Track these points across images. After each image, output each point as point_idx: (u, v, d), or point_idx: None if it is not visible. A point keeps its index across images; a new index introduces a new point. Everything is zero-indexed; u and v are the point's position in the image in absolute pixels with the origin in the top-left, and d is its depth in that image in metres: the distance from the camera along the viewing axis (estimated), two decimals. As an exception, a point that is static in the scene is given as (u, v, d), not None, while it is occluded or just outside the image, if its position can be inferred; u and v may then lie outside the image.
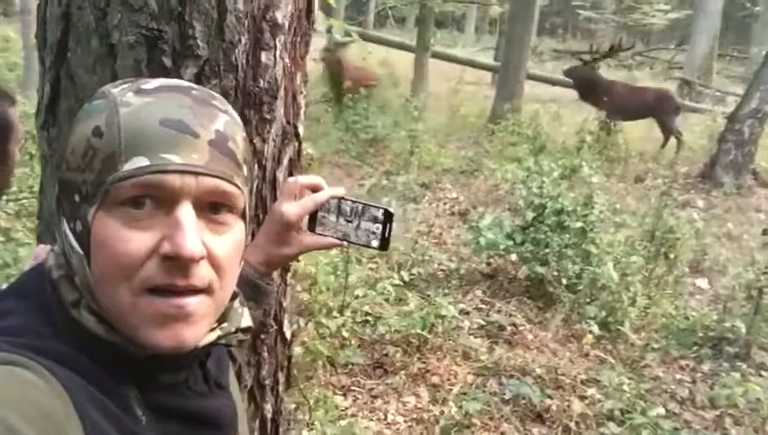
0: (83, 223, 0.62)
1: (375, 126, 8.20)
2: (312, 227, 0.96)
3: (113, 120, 0.61)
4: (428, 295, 4.06)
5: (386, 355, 3.44)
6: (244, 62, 1.02)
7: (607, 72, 11.33)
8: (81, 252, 0.63)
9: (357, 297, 3.67)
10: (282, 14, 1.05)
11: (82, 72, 0.99)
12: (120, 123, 0.61)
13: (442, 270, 4.63)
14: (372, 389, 3.22)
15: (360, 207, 0.94)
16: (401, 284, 3.99)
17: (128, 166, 0.60)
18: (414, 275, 4.33)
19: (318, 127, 8.27)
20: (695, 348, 3.80)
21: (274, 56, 1.06)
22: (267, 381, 1.22)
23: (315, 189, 0.96)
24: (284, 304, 1.24)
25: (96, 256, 0.62)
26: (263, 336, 1.19)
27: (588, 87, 9.12)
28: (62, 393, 0.58)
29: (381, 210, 0.94)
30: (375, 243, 0.95)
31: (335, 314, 3.40)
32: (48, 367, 0.59)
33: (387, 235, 0.94)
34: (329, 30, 2.51)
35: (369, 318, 3.67)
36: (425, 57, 11.51)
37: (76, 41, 0.99)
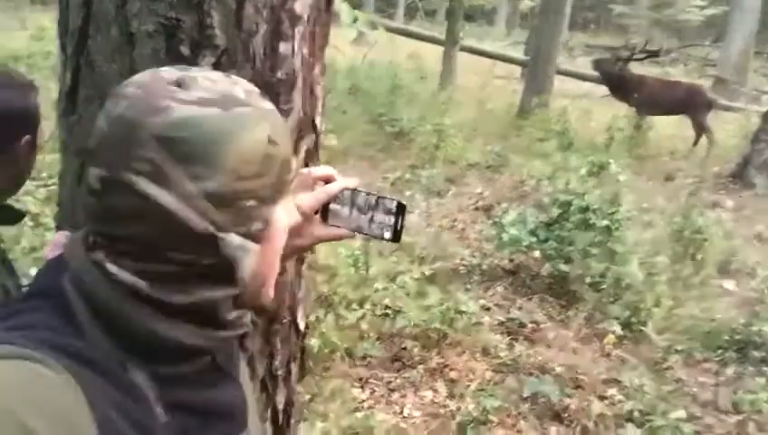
0: (264, 220, 0.70)
1: (401, 119, 8.17)
2: (324, 218, 0.95)
3: (278, 129, 0.70)
4: (449, 290, 4.04)
5: (404, 349, 3.44)
6: (261, 52, 1.02)
7: (640, 67, 11.14)
8: (256, 247, 0.70)
9: (377, 290, 3.67)
10: (301, 5, 1.05)
11: (101, 61, 1.00)
12: (284, 132, 0.72)
13: (464, 265, 4.61)
14: (390, 382, 3.22)
15: (374, 199, 0.94)
16: (422, 278, 3.99)
17: (293, 165, 0.75)
18: (435, 269, 4.32)
19: (344, 119, 8.28)
20: (719, 351, 3.73)
21: (292, 47, 1.05)
22: (279, 372, 1.22)
23: (328, 180, 0.95)
24: (298, 295, 1.24)
25: (272, 243, 0.73)
26: (276, 326, 1.19)
27: (617, 82, 8.97)
28: (76, 389, 0.58)
29: (395, 202, 0.94)
30: (387, 234, 0.94)
31: (355, 306, 3.41)
32: (63, 362, 0.59)
33: (399, 226, 0.94)
34: (354, 21, 2.49)
35: (388, 311, 3.67)
36: (453, 51, 11.44)
37: (96, 29, 1.00)
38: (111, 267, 0.66)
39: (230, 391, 0.79)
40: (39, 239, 3.38)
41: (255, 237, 0.69)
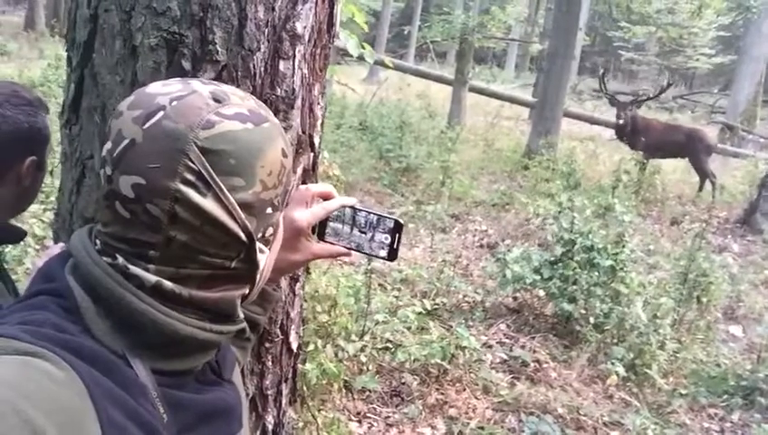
0: (274, 226, 0.76)
1: (408, 155, 8.23)
2: (320, 235, 0.95)
3: (287, 142, 0.74)
4: (451, 326, 4.00)
5: (403, 384, 3.39)
6: (262, 69, 1.04)
7: (648, 113, 11.23)
8: (267, 250, 0.76)
9: (377, 323, 3.63)
10: (302, 25, 1.07)
11: (104, 72, 1.02)
12: (289, 144, 0.76)
13: (467, 301, 4.57)
14: (388, 417, 3.17)
15: (375, 218, 0.94)
16: (424, 312, 3.95)
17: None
18: (438, 304, 4.28)
19: (352, 154, 8.35)
20: (725, 397, 3.66)
21: (293, 66, 1.07)
22: (270, 392, 1.21)
23: (326, 197, 0.96)
24: (292, 315, 1.23)
25: (275, 246, 0.79)
26: (267, 345, 1.18)
27: (628, 124, 9.03)
28: (80, 386, 0.58)
29: (393, 221, 0.94)
30: (383, 253, 0.94)
31: (354, 338, 3.37)
32: (67, 359, 0.59)
33: (396, 245, 0.94)
34: (360, 57, 2.54)
35: (389, 345, 3.63)
36: (462, 91, 11.57)
37: (101, 42, 1.02)
38: (134, 270, 0.67)
39: (226, 392, 0.80)
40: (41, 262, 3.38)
41: (267, 242, 0.75)
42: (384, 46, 21.62)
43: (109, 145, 0.67)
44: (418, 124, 10.29)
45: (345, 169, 6.75)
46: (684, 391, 3.67)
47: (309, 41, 1.09)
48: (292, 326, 1.24)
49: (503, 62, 30.17)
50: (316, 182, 1.22)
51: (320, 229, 0.95)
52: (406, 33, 23.16)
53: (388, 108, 10.71)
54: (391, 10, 24.47)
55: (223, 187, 0.66)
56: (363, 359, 3.33)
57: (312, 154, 1.18)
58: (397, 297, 4.23)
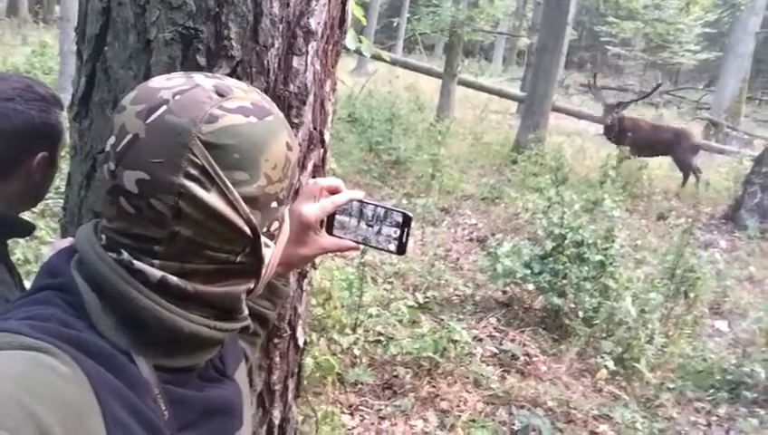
0: (280, 220, 0.75)
1: (398, 148, 8.24)
2: (329, 230, 0.95)
3: (291, 135, 0.73)
4: (442, 319, 4.02)
5: (396, 377, 3.41)
6: (276, 65, 1.03)
7: (634, 109, 11.32)
8: (273, 245, 0.75)
9: (370, 316, 3.65)
10: (315, 21, 1.06)
11: (117, 66, 1.01)
12: (294, 137, 0.75)
13: (457, 295, 4.59)
14: (380, 410, 3.18)
15: (383, 211, 0.94)
16: (415, 306, 3.96)
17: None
18: (429, 298, 4.30)
19: (342, 146, 8.33)
20: (711, 391, 3.71)
21: (306, 62, 1.07)
22: (277, 387, 1.21)
23: (334, 191, 0.96)
24: (299, 311, 1.23)
25: (281, 240, 0.77)
26: (276, 341, 1.18)
27: (619, 126, 9.14)
28: (85, 382, 0.58)
29: (401, 214, 0.94)
30: (392, 247, 0.94)
31: (347, 331, 3.38)
32: (73, 355, 0.59)
33: (404, 239, 0.94)
34: (357, 50, 2.53)
35: (381, 338, 3.64)
36: (451, 84, 11.57)
37: (114, 36, 1.01)
38: (139, 265, 0.66)
39: (228, 389, 0.80)
40: (32, 252, 3.35)
41: (273, 236, 0.75)
42: (373, 38, 21.55)
43: (112, 140, 0.66)
44: (407, 117, 10.28)
45: (336, 161, 6.74)
46: (671, 385, 3.72)
47: (322, 37, 1.09)
48: (300, 322, 1.25)
49: (490, 55, 30.21)
50: (325, 177, 1.22)
51: (327, 223, 0.95)
52: (394, 24, 23.10)
53: (378, 100, 10.69)
54: (380, 1, 24.37)
55: (227, 181, 0.65)
56: (356, 352, 3.34)
57: (322, 150, 1.18)
58: (388, 290, 4.25)
